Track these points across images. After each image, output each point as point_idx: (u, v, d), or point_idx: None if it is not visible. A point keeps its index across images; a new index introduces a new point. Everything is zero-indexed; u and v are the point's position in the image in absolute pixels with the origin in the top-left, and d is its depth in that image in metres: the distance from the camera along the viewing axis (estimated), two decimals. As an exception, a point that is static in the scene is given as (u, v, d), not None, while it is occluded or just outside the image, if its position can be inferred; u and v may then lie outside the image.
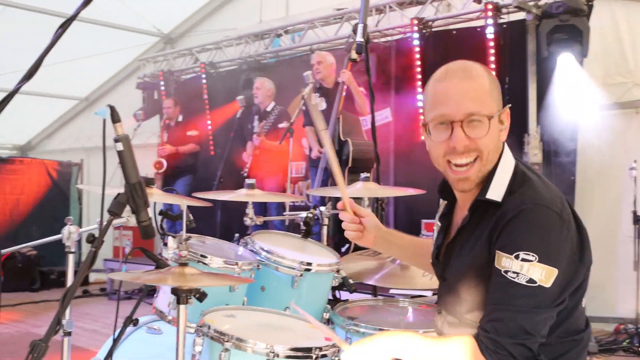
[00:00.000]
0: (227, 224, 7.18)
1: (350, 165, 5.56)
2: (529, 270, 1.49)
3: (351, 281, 2.59)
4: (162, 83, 8.78)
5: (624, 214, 5.69)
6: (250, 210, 2.86)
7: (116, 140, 1.62)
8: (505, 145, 1.71)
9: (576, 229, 1.60)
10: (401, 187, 3.11)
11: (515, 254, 1.50)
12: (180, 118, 7.85)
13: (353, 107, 5.69)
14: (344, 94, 5.52)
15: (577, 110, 5.72)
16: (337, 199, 2.02)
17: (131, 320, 2.42)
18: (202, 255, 2.30)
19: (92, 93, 11.52)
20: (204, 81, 8.28)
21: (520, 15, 5.93)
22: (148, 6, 9.25)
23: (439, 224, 1.83)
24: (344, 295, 2.88)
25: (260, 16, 8.97)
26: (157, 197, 2.47)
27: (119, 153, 1.62)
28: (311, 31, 7.61)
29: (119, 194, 1.61)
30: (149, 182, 2.23)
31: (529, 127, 5.76)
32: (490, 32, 5.89)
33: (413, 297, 2.94)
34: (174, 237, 2.29)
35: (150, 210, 1.75)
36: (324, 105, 5.88)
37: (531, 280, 1.49)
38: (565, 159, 5.74)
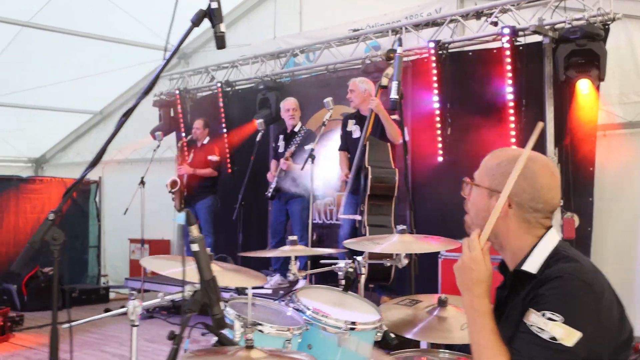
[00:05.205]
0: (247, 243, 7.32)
1: (369, 192, 5.66)
2: (553, 328, 1.63)
3: (392, 335, 2.68)
4: (178, 101, 8.87)
5: (641, 233, 5.78)
6: (293, 267, 2.94)
7: (192, 242, 1.72)
8: (552, 228, 1.85)
9: (616, 304, 1.71)
10: (433, 236, 3.19)
11: (542, 312, 1.65)
12: (206, 140, 7.97)
13: (382, 133, 5.77)
14: (372, 120, 5.67)
15: (594, 131, 5.82)
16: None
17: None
18: (256, 323, 2.39)
19: (106, 107, 11.64)
20: (221, 100, 8.37)
21: (537, 38, 6.00)
22: (161, 22, 9.34)
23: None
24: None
25: (275, 32, 9.06)
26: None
27: (195, 253, 1.72)
28: (327, 51, 7.70)
29: (195, 291, 1.71)
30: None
31: (547, 150, 5.83)
32: (506, 55, 5.97)
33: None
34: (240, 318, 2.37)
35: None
36: (358, 133, 5.96)
37: (553, 338, 1.62)
38: (583, 180, 5.83)
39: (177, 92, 8.92)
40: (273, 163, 7.09)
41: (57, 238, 2.02)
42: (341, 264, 2.98)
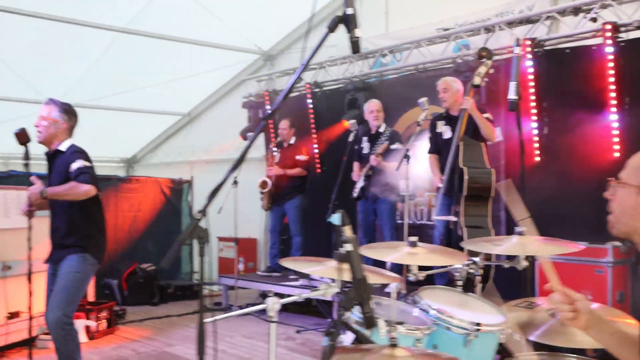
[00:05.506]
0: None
1: (465, 193, 5.62)
2: None
3: (517, 337, 2.67)
4: (267, 102, 9.05)
5: None
6: (414, 267, 2.97)
7: (345, 242, 1.77)
8: None
9: None
10: (556, 239, 3.13)
11: None
12: (292, 140, 8.08)
13: (476, 133, 5.72)
14: (465, 120, 5.64)
15: None
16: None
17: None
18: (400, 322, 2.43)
19: (194, 109, 11.99)
20: (310, 100, 8.49)
21: (640, 33, 5.82)
22: (248, 24, 9.55)
23: None
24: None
25: (361, 33, 9.07)
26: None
27: (348, 252, 1.77)
28: (414, 50, 7.68)
29: (349, 289, 1.76)
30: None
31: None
32: (608, 52, 5.80)
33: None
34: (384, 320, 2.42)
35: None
36: (449, 134, 5.92)
37: None
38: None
39: (267, 93, 9.09)
40: (356, 165, 7.13)
41: (202, 236, 2.12)
42: (458, 265, 2.99)
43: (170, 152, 12.50)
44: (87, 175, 4.12)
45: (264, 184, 8.11)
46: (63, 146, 4.30)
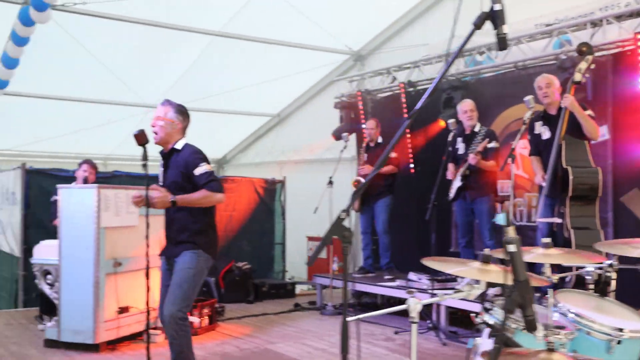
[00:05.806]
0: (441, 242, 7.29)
1: (571, 194, 5.42)
2: None
3: (662, 345, 2.55)
4: (360, 103, 9.04)
5: None
6: (547, 269, 2.88)
7: (509, 243, 1.73)
8: None
9: None
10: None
11: None
12: (380, 139, 8.02)
13: (579, 132, 5.52)
14: (567, 118, 5.45)
15: None
16: None
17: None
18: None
19: (283, 110, 12.15)
20: (403, 100, 8.43)
21: None
22: (338, 25, 9.57)
23: None
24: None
25: (454, 31, 8.93)
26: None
27: (511, 254, 1.72)
28: (514, 47, 7.48)
29: (512, 292, 1.71)
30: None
31: None
32: None
33: None
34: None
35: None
36: (547, 134, 5.73)
37: None
38: None
39: (359, 93, 9.09)
40: (451, 165, 6.99)
41: (347, 235, 2.12)
42: (590, 267, 2.88)
43: (259, 152, 12.72)
44: (216, 183, 4.22)
45: (357, 184, 8.09)
46: (179, 145, 4.41)
